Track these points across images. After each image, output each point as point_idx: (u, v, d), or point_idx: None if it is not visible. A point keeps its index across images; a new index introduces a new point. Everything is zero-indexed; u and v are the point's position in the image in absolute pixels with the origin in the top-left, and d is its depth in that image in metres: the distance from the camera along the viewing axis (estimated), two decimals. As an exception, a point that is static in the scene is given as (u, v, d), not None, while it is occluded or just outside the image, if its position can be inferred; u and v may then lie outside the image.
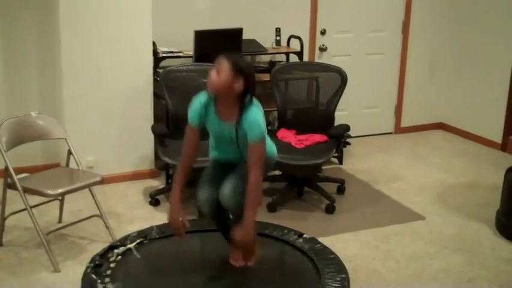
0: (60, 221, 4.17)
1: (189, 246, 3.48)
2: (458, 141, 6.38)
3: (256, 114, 3.06)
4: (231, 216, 3.31)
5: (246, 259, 3.34)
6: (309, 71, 5.10)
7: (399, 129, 6.59)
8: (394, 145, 6.21)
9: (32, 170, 4.18)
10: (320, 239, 3.78)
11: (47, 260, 3.57)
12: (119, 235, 3.83)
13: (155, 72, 4.94)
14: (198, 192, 3.18)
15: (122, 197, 4.68)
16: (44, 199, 3.81)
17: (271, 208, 4.46)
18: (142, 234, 3.72)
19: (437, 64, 6.56)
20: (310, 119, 4.90)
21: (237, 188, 3.10)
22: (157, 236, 3.68)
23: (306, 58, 5.79)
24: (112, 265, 3.36)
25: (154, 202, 4.55)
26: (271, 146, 3.31)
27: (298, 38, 5.58)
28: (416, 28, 6.32)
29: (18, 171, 3.69)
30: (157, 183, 4.97)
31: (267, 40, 5.56)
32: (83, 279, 3.25)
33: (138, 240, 3.62)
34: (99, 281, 3.17)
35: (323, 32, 5.98)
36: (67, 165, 4.03)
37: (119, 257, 3.46)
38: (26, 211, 3.61)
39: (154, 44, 4.92)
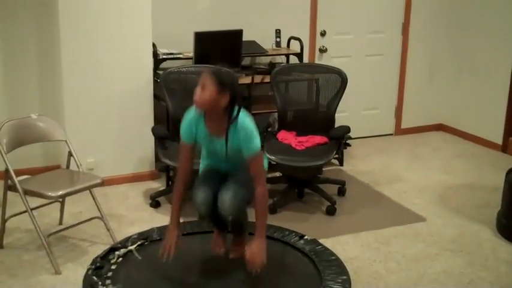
0: (60, 223, 4.17)
1: (189, 247, 3.48)
2: (458, 143, 6.38)
3: (248, 124, 3.09)
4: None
5: (234, 251, 3.42)
6: (309, 73, 5.10)
7: (399, 131, 6.59)
8: (394, 146, 6.21)
9: (33, 172, 4.18)
10: (321, 241, 3.79)
11: (48, 262, 3.57)
12: (120, 237, 3.83)
13: (155, 74, 4.94)
14: (195, 193, 3.21)
15: (123, 199, 4.67)
16: (44, 201, 3.80)
17: (272, 210, 4.45)
18: (143, 236, 3.73)
19: (437, 65, 6.57)
20: (311, 121, 4.89)
21: (237, 195, 3.13)
22: (158, 238, 3.69)
23: (306, 59, 5.78)
24: (113, 267, 3.37)
25: (155, 204, 4.55)
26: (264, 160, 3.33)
27: (298, 39, 5.58)
28: (416, 29, 6.32)
29: (19, 173, 3.69)
30: (158, 185, 4.96)
31: (267, 41, 5.56)
32: (84, 281, 3.25)
33: (139, 242, 3.63)
34: (100, 283, 3.18)
35: (323, 34, 5.98)
36: (67, 167, 4.03)
37: (120, 258, 3.47)
38: (27, 213, 3.61)
39: (154, 45, 4.92)
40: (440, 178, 5.31)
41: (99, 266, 3.35)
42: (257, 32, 5.50)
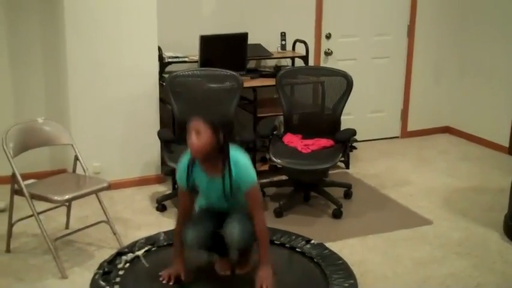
0: (67, 227, 4.18)
1: (196, 253, 3.47)
2: (464, 145, 6.36)
3: (243, 159, 3.11)
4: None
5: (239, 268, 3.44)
6: (314, 76, 5.09)
7: (405, 133, 6.58)
8: (400, 149, 6.19)
9: (39, 176, 4.19)
10: (327, 244, 3.79)
11: (55, 266, 3.57)
12: (126, 241, 3.84)
13: (161, 78, 4.95)
14: (185, 233, 3.19)
15: (129, 203, 4.68)
16: (51, 205, 3.81)
17: (278, 213, 4.45)
18: (150, 241, 3.73)
19: (443, 67, 6.55)
20: (316, 124, 4.88)
21: (245, 228, 3.16)
22: (165, 243, 3.69)
23: (311, 62, 5.78)
24: (120, 272, 3.37)
25: (161, 208, 4.55)
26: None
27: (304, 42, 5.58)
28: (421, 31, 6.31)
29: (25, 177, 3.69)
30: (164, 189, 4.97)
31: (272, 45, 5.56)
32: (91, 285, 3.26)
33: (146, 248, 3.63)
34: (107, 287, 3.18)
35: (328, 36, 5.98)
36: (74, 171, 4.03)
37: (127, 264, 3.47)
38: (33, 217, 3.61)
39: (159, 49, 4.92)
40: (447, 181, 5.29)
41: (106, 270, 3.35)
42: (262, 35, 5.50)
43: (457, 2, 6.37)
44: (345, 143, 4.65)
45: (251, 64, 5.45)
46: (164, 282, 3.25)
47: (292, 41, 5.67)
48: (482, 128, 6.31)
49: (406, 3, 6.22)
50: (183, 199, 3.26)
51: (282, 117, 5.03)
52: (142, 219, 4.37)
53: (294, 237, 3.82)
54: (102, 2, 4.59)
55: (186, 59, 5.09)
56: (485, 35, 6.18)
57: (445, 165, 5.70)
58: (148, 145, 4.95)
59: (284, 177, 4.94)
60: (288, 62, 5.67)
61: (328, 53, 6.00)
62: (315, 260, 3.55)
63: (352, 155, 5.79)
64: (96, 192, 3.80)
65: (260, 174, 5.14)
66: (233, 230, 3.14)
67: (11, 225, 3.79)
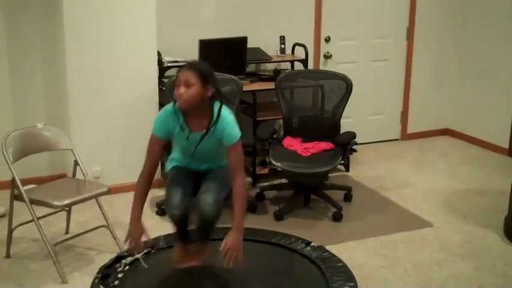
0: (67, 232, 4.18)
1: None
2: (464, 147, 6.36)
3: (229, 116, 3.05)
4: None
5: (194, 259, 3.34)
6: (314, 79, 5.09)
7: (405, 136, 6.58)
8: (400, 152, 6.19)
9: (39, 181, 4.20)
10: (327, 247, 3.78)
11: (55, 271, 3.57)
12: (126, 245, 3.83)
13: (160, 82, 4.95)
14: (169, 196, 3.11)
15: (129, 207, 4.62)
16: (51, 210, 3.81)
17: (278, 216, 4.44)
18: (150, 244, 3.72)
19: (443, 70, 6.56)
20: (316, 127, 4.89)
21: (219, 197, 3.07)
22: (164, 246, 3.69)
23: (310, 66, 5.79)
24: (120, 275, 3.37)
25: (161, 212, 4.54)
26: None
27: (303, 45, 5.58)
28: (421, 34, 6.32)
29: (25, 182, 3.70)
30: (164, 193, 4.94)
31: (271, 48, 5.57)
32: (90, 290, 3.25)
33: (145, 250, 3.63)
34: (107, 292, 3.18)
35: (327, 40, 5.98)
36: (74, 175, 4.03)
37: (127, 267, 3.47)
38: (33, 222, 3.61)
39: (159, 53, 4.93)
40: (447, 183, 5.29)
41: (105, 274, 3.35)
42: (261, 38, 5.50)
43: (456, 5, 6.37)
44: (345, 145, 4.65)
45: (250, 68, 5.46)
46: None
47: (292, 45, 5.67)
48: (482, 130, 6.31)
49: (405, 6, 6.22)
50: (154, 148, 3.12)
51: (281, 121, 5.03)
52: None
53: (293, 239, 3.82)
54: (101, 7, 4.60)
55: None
56: (484, 37, 6.19)
57: (445, 168, 5.70)
58: (148, 149, 4.95)
59: (284, 181, 4.95)
60: (288, 65, 5.67)
61: (327, 56, 6.01)
62: (315, 262, 3.55)
63: (352, 157, 5.79)
64: (96, 196, 3.80)
65: (260, 177, 5.19)
66: (208, 199, 3.04)
67: (11, 231, 3.79)
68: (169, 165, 3.33)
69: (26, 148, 3.81)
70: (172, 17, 5.26)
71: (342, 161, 5.06)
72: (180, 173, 3.27)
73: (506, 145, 6.04)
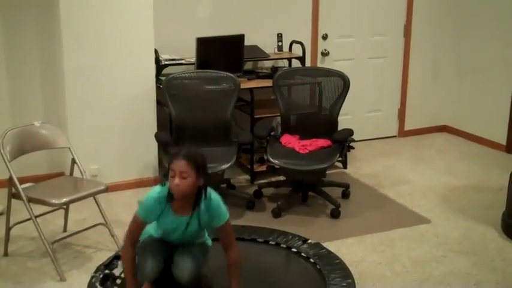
0: (65, 230, 4.17)
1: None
2: (462, 144, 6.36)
3: (216, 198, 3.03)
4: None
5: None
6: (311, 76, 5.09)
7: (403, 133, 6.58)
8: (398, 148, 6.20)
9: (36, 179, 4.19)
10: (325, 244, 3.78)
11: (53, 269, 3.57)
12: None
13: (158, 80, 4.95)
14: (143, 262, 3.05)
15: (127, 205, 4.67)
16: (48, 208, 3.81)
17: (276, 214, 4.45)
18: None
19: (440, 66, 6.56)
20: (314, 124, 4.89)
21: (199, 265, 3.07)
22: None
23: (308, 63, 5.79)
24: (117, 274, 3.36)
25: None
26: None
27: (300, 43, 5.58)
28: (418, 31, 6.32)
29: (23, 180, 3.70)
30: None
31: (268, 46, 5.57)
32: (88, 288, 3.25)
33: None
34: (104, 290, 3.17)
35: (325, 37, 5.98)
36: (71, 174, 4.03)
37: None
38: (31, 221, 3.61)
39: (156, 51, 4.92)
40: (445, 179, 5.29)
41: (103, 273, 3.35)
42: (259, 36, 5.50)
43: (453, 2, 6.38)
44: (343, 143, 4.65)
45: (248, 65, 5.45)
46: None
47: (289, 42, 5.67)
48: (480, 127, 6.31)
49: (402, 3, 6.22)
50: (138, 229, 3.06)
51: (279, 118, 5.03)
52: (141, 222, 4.36)
53: (290, 236, 3.81)
54: (98, 6, 4.59)
55: (183, 61, 5.09)
56: (482, 34, 6.19)
57: (443, 164, 5.71)
58: (146, 147, 4.95)
59: (282, 178, 4.95)
60: (285, 63, 5.68)
61: (324, 54, 6.00)
62: (312, 259, 3.55)
63: (350, 154, 5.79)
64: (93, 194, 3.80)
65: (258, 175, 5.19)
66: (186, 264, 3.02)
67: (8, 229, 3.78)
68: (144, 235, 3.27)
69: (23, 146, 3.81)
70: (170, 15, 5.26)
71: (340, 158, 5.08)
72: (152, 242, 3.20)
73: (503, 141, 6.04)
